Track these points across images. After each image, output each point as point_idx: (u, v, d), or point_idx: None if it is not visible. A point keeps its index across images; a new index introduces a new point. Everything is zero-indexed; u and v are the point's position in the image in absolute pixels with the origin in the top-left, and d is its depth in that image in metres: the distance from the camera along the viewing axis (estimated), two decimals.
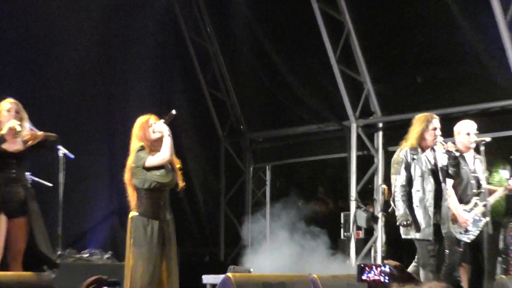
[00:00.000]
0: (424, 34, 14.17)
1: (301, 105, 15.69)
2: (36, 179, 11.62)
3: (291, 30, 15.75)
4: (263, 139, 16.74)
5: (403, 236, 9.80)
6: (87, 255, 13.23)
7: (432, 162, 9.78)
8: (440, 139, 9.80)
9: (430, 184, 9.68)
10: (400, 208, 9.63)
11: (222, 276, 9.66)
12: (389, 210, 10.05)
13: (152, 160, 8.77)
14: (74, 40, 15.02)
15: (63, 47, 14.93)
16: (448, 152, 9.80)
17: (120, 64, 15.78)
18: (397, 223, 9.66)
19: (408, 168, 9.70)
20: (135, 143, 8.94)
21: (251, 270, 12.34)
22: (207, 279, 12.29)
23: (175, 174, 9.01)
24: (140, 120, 9.02)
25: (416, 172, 9.69)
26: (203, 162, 16.95)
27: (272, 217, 15.17)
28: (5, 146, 9.36)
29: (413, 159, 9.70)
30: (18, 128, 9.33)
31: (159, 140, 8.85)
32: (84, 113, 15.01)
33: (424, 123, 9.82)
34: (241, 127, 16.86)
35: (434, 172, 9.75)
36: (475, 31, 13.35)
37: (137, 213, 8.85)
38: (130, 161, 8.89)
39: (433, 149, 9.84)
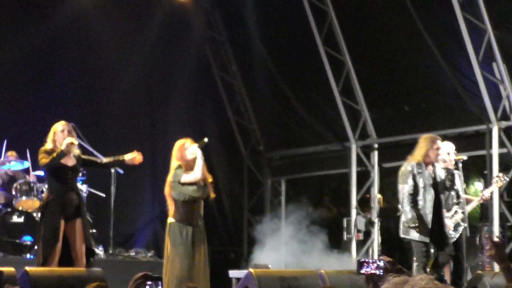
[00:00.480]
0: (410, 72, 14.18)
1: (309, 129, 15.61)
2: (92, 190, 11.55)
3: (300, 68, 15.72)
4: (279, 157, 16.63)
5: (402, 236, 9.55)
6: (133, 253, 13.19)
7: (433, 176, 9.49)
8: (441, 157, 9.58)
9: (430, 195, 9.40)
10: (408, 213, 9.34)
11: (245, 271, 9.51)
12: (398, 213, 9.83)
13: (187, 178, 8.80)
14: (123, 73, 14.95)
15: (114, 79, 14.88)
16: (446, 169, 9.64)
17: (161, 96, 15.78)
18: (407, 225, 9.37)
19: (414, 178, 9.42)
20: (174, 162, 8.98)
21: (269, 266, 12.10)
22: (233, 273, 12.06)
23: (206, 188, 8.99)
24: (178, 143, 9.07)
25: (419, 184, 9.40)
26: (230, 176, 16.79)
27: (286, 221, 15.02)
28: (64, 161, 9.26)
29: (419, 172, 9.41)
30: (75, 142, 9.26)
31: (193, 161, 8.85)
32: (131, 135, 14.97)
33: (430, 143, 9.53)
34: (261, 147, 16.74)
35: (434, 184, 9.48)
36: (453, 68, 13.38)
37: (174, 220, 8.87)
38: (169, 177, 8.94)
39: (433, 165, 9.55)
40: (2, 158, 12.55)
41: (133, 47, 15.14)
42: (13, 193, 12.25)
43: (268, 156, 16.70)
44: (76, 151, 9.51)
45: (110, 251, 12.72)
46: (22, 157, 12.75)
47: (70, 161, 9.35)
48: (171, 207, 8.96)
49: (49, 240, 9.14)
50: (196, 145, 8.89)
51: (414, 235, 9.37)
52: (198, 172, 8.79)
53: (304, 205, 14.38)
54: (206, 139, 8.98)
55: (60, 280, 7.96)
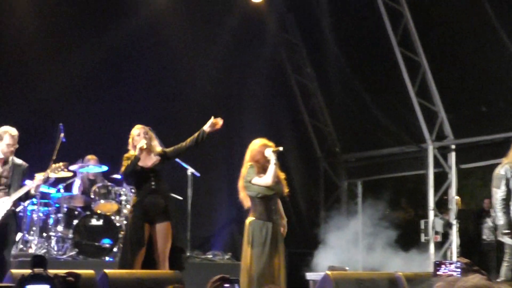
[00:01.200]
0: (487, 71, 13.99)
1: (385, 131, 15.53)
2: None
3: (376, 69, 15.63)
4: (355, 159, 16.55)
5: (498, 238, 9.35)
6: (211, 256, 13.21)
7: None
8: None
9: None
10: (501, 219, 9.13)
11: (322, 274, 9.43)
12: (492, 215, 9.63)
13: (258, 180, 8.77)
14: (198, 77, 15.13)
15: (189, 83, 15.06)
16: None
17: (236, 99, 15.81)
18: (500, 232, 9.18)
19: (507, 183, 9.15)
20: (247, 161, 8.94)
21: (347, 268, 12.03)
22: (310, 276, 12.02)
23: (279, 185, 8.91)
24: (255, 142, 8.99)
25: None
26: (306, 178, 16.76)
27: (363, 223, 14.91)
28: (141, 163, 9.31)
29: None
30: (145, 146, 9.27)
31: (267, 163, 8.78)
32: (209, 141, 15.02)
33: None
34: (337, 149, 16.70)
35: None
36: None
37: (253, 218, 8.80)
38: (242, 175, 8.92)
39: None
40: (82, 162, 12.76)
41: (208, 51, 15.22)
42: (92, 196, 12.43)
43: (344, 158, 16.64)
44: (158, 149, 9.54)
45: (188, 254, 12.78)
46: (102, 161, 12.95)
47: (149, 162, 9.41)
48: (248, 205, 8.93)
49: (133, 244, 9.19)
50: (271, 149, 8.83)
51: (507, 240, 9.17)
52: (269, 178, 8.73)
53: (380, 207, 14.28)
54: (281, 148, 8.92)
55: (139, 282, 8.00)
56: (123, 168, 9.35)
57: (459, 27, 14.10)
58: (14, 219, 9.50)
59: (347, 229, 14.85)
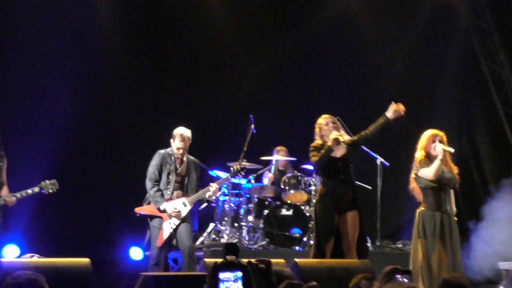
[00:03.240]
0: None
1: None
2: (358, 183, 11.66)
3: None
4: None
5: None
6: (401, 245, 13.14)
7: None
8: None
9: None
10: None
11: None
12: None
13: (422, 173, 8.83)
14: (388, 67, 15.03)
15: (381, 73, 15.03)
16: None
17: (427, 88, 15.62)
18: None
19: None
20: (418, 152, 8.98)
21: None
22: (503, 265, 11.73)
23: (451, 177, 8.86)
24: (428, 132, 9.03)
25: None
26: (499, 169, 16.30)
27: None
28: (332, 154, 9.35)
29: None
30: (341, 139, 9.32)
31: (435, 156, 8.78)
32: (399, 129, 14.94)
33: None
34: None
35: None
36: None
37: (424, 208, 8.86)
38: (413, 166, 9.00)
39: None
40: (274, 154, 12.99)
41: (399, 40, 15.11)
42: (282, 186, 12.62)
43: None
44: (346, 137, 9.55)
45: (378, 243, 12.77)
46: (291, 152, 13.12)
47: (338, 152, 9.42)
48: (419, 197, 8.99)
49: (323, 234, 9.31)
50: (442, 146, 8.81)
51: None
52: (431, 172, 8.74)
53: None
54: (452, 150, 8.88)
55: (329, 271, 8.08)
56: (315, 158, 9.41)
57: None
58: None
59: None
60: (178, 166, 9.83)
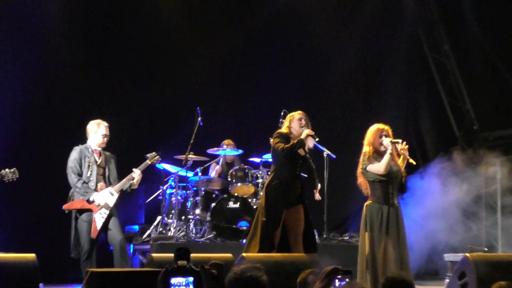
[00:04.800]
0: None
1: None
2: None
3: None
4: (493, 138, 16.17)
5: None
6: (347, 237, 13.23)
7: None
8: None
9: None
10: None
11: (461, 255, 9.35)
12: None
13: (371, 168, 8.85)
14: (337, 58, 15.24)
15: (329, 64, 15.20)
16: None
17: (375, 79, 15.81)
18: None
19: None
20: (365, 147, 9.00)
21: (486, 249, 11.87)
22: (448, 257, 11.91)
23: (398, 169, 8.90)
24: (374, 127, 9.03)
25: None
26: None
27: (503, 207, 14.50)
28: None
29: None
30: (316, 138, 9.43)
31: (383, 151, 8.85)
32: (346, 119, 15.11)
33: None
34: (474, 128, 16.37)
35: None
36: None
37: (371, 202, 8.90)
38: (360, 163, 9.02)
39: None
40: (222, 147, 12.99)
41: (347, 31, 15.27)
42: (229, 179, 12.64)
43: (483, 136, 16.31)
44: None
45: (325, 235, 12.85)
46: (238, 145, 13.14)
47: (303, 151, 9.47)
48: (366, 192, 9.02)
49: (272, 225, 9.28)
50: (390, 139, 8.86)
51: None
52: (382, 167, 8.76)
53: None
54: (400, 141, 8.91)
55: (276, 266, 8.08)
56: (280, 145, 9.35)
57: None
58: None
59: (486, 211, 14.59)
60: (97, 158, 9.85)
